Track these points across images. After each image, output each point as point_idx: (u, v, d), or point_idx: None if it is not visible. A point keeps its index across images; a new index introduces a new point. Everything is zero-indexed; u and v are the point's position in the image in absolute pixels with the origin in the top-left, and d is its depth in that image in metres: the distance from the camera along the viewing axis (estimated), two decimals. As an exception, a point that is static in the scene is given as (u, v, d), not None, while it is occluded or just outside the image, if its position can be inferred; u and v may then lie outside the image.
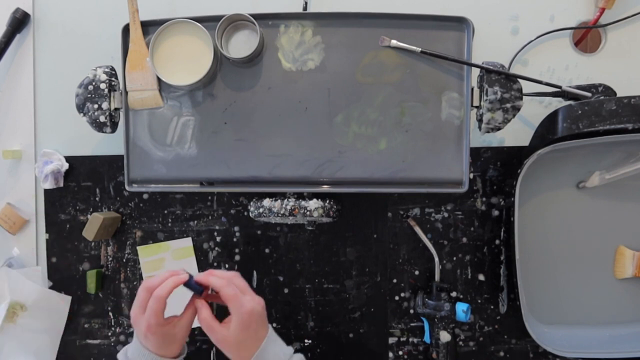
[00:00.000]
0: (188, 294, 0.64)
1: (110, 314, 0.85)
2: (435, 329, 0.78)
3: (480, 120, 0.70)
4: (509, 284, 0.80)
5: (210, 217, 0.84)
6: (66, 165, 0.83)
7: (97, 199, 0.85)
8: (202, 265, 0.84)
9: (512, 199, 0.71)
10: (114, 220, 0.83)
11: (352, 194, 0.80)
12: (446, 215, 0.82)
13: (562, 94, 0.75)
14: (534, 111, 0.80)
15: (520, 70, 0.81)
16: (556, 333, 0.77)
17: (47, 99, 0.85)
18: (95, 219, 0.79)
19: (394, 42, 0.69)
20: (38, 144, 0.85)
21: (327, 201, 0.73)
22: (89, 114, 0.71)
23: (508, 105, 0.68)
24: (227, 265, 0.84)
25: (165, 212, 0.84)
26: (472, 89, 0.70)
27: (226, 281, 0.61)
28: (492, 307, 0.82)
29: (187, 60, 0.69)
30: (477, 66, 0.69)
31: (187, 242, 0.84)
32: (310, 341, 0.84)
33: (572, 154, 0.76)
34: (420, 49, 0.69)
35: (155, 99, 0.72)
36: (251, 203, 0.75)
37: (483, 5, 0.81)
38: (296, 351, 0.63)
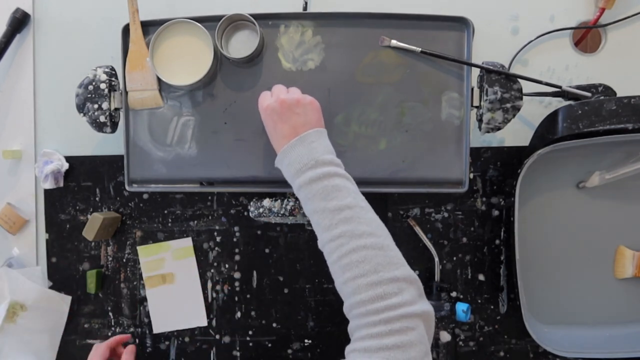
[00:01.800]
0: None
1: (110, 314, 0.85)
2: (435, 329, 0.78)
3: (480, 120, 0.70)
4: (509, 284, 0.80)
5: (210, 217, 0.84)
6: (66, 165, 0.83)
7: (97, 199, 0.85)
8: (202, 266, 0.84)
9: (512, 199, 0.71)
10: (114, 220, 0.83)
11: (352, 194, 0.80)
12: (446, 215, 0.82)
13: (562, 94, 0.76)
14: (534, 111, 0.80)
15: (520, 70, 0.81)
16: (556, 333, 0.77)
17: (47, 99, 0.85)
18: (95, 219, 0.79)
19: (394, 42, 0.69)
20: (38, 144, 0.85)
21: (327, 201, 0.73)
22: (89, 114, 0.71)
23: (508, 105, 0.68)
24: (227, 265, 0.84)
25: (165, 212, 0.84)
26: (472, 89, 0.70)
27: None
28: (492, 307, 0.82)
29: (187, 60, 0.69)
30: (477, 66, 0.69)
31: (187, 242, 0.84)
32: (310, 341, 0.84)
33: (572, 154, 0.76)
34: (420, 49, 0.69)
35: (155, 99, 0.72)
36: (251, 203, 0.75)
37: (483, 5, 0.81)
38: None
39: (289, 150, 0.60)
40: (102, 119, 0.71)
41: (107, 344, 0.77)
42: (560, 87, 0.73)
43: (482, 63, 0.69)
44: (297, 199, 0.73)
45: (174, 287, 0.84)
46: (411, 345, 0.48)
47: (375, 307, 0.50)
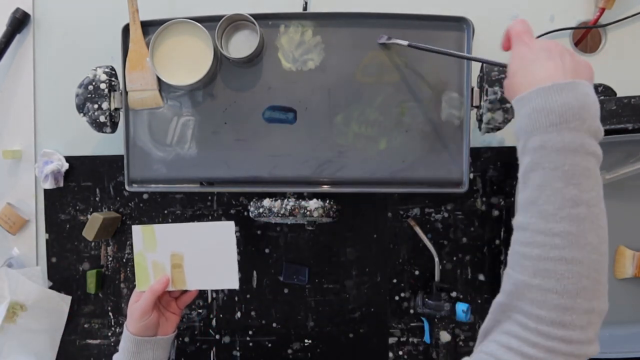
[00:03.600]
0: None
1: (110, 314, 0.85)
2: (435, 329, 0.78)
3: (480, 120, 0.70)
4: (509, 284, 0.80)
5: (210, 217, 0.84)
6: (66, 165, 0.83)
7: (97, 199, 0.85)
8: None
9: (512, 199, 0.71)
10: (114, 220, 0.83)
11: (352, 194, 0.80)
12: (446, 215, 0.82)
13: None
14: (534, 111, 0.80)
15: (520, 70, 0.81)
16: (556, 333, 0.77)
17: (47, 99, 0.85)
18: (95, 219, 0.79)
19: (385, 39, 0.68)
20: (38, 144, 0.85)
21: (327, 201, 0.73)
22: (89, 114, 0.71)
23: (508, 105, 0.68)
24: (227, 265, 0.84)
25: (165, 212, 0.84)
26: (472, 89, 0.70)
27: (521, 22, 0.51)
28: (492, 307, 0.82)
29: (187, 60, 0.69)
30: (457, 56, 0.68)
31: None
32: (310, 341, 0.84)
33: (572, 154, 0.76)
34: (407, 42, 0.67)
35: (155, 99, 0.72)
36: (251, 203, 0.75)
37: (483, 5, 0.81)
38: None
39: (551, 91, 0.44)
40: (102, 119, 0.71)
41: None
42: (504, 65, 0.61)
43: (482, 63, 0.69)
44: (297, 198, 0.72)
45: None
46: None
47: (549, 331, 0.42)
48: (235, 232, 0.83)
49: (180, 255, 0.73)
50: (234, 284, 0.72)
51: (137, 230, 0.73)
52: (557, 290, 0.42)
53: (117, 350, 0.85)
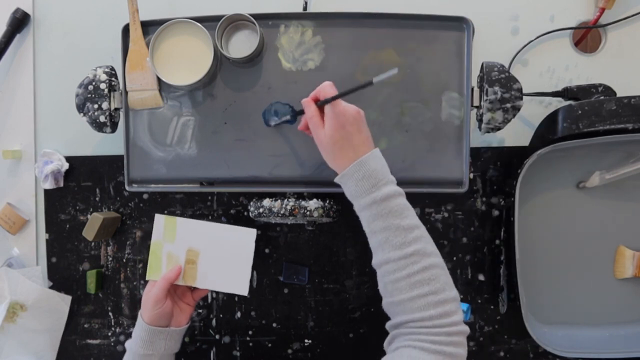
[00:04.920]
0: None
1: (110, 314, 0.85)
2: (435, 329, 0.78)
3: (480, 120, 0.70)
4: (509, 284, 0.80)
5: (210, 217, 0.84)
6: (66, 165, 0.83)
7: (97, 199, 0.85)
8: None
9: (512, 199, 0.71)
10: (114, 220, 0.83)
11: (352, 194, 0.80)
12: (446, 215, 0.82)
13: (562, 93, 0.75)
14: (534, 111, 0.80)
15: (520, 70, 0.81)
16: (556, 333, 0.77)
17: (47, 99, 0.85)
18: (95, 219, 0.79)
19: None
20: (38, 144, 0.85)
21: (327, 201, 0.73)
22: (89, 114, 0.71)
23: (508, 105, 0.68)
24: (227, 265, 0.84)
25: (165, 212, 0.84)
26: (472, 89, 0.70)
27: (329, 84, 0.61)
28: (492, 307, 0.82)
29: (187, 60, 0.69)
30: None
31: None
32: (310, 341, 0.84)
33: (572, 154, 0.76)
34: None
35: (155, 99, 0.72)
36: (251, 203, 0.75)
37: (483, 5, 0.81)
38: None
39: (364, 163, 0.59)
40: (102, 119, 0.71)
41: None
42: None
43: (482, 63, 0.69)
44: (297, 198, 0.73)
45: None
46: (461, 358, 0.55)
47: (442, 322, 0.54)
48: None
49: (196, 251, 0.72)
50: (244, 291, 0.72)
51: (159, 219, 0.73)
52: (432, 292, 0.55)
53: (117, 350, 0.85)
